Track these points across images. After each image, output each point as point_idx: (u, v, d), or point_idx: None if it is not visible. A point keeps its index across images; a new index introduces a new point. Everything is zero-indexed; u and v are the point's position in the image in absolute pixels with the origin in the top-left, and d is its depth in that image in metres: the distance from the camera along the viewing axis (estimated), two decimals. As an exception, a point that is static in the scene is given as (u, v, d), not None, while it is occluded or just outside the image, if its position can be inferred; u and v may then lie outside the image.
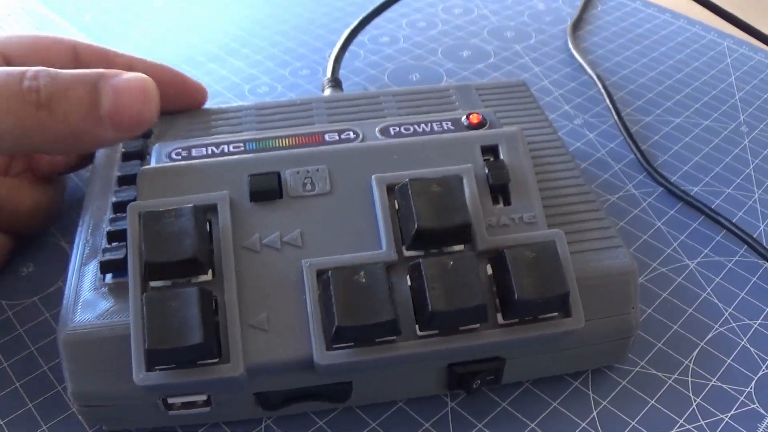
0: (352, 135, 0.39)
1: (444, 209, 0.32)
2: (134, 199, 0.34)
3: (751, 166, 0.50)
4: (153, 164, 0.36)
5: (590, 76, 0.58)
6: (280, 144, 0.38)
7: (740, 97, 0.58)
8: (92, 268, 0.34)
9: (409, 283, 0.31)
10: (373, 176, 0.34)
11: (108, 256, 0.33)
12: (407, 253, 0.32)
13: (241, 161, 0.35)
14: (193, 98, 0.43)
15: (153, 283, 0.31)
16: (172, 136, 0.40)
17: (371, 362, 0.30)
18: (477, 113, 0.39)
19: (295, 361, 0.30)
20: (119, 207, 0.35)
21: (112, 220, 0.35)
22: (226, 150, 0.38)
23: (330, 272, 0.30)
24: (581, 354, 0.35)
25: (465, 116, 0.39)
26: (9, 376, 0.36)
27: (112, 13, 0.68)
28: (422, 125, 0.39)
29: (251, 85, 0.58)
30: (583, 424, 0.35)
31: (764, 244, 0.44)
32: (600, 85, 0.56)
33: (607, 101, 0.55)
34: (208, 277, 0.31)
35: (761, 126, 0.54)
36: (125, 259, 0.32)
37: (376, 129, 0.39)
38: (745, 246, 0.44)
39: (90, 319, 0.31)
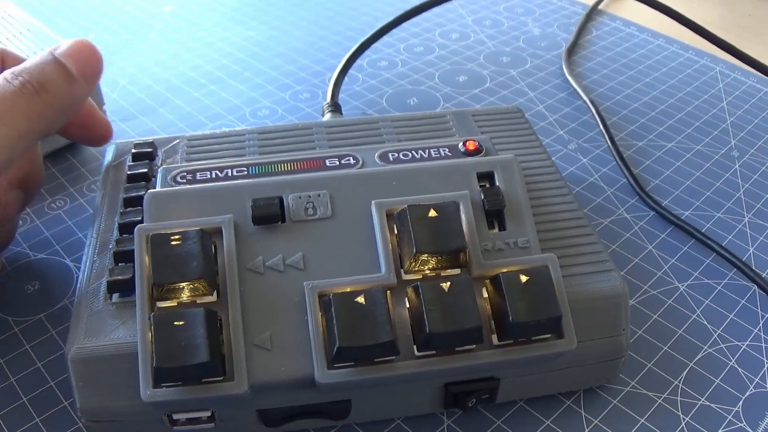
0: (352, 160, 0.39)
1: (441, 234, 0.33)
2: (140, 221, 0.35)
3: (741, 191, 0.51)
4: (158, 187, 0.37)
5: (584, 102, 0.59)
6: (283, 169, 0.39)
7: (731, 122, 0.59)
8: (99, 288, 0.35)
9: (407, 305, 0.32)
10: (373, 202, 0.35)
11: (115, 277, 0.34)
12: (405, 277, 0.33)
13: (244, 186, 0.36)
14: (98, 134, 0.46)
15: (160, 303, 0.32)
16: (176, 159, 0.41)
17: (371, 381, 0.31)
18: (473, 140, 0.40)
19: (296, 379, 0.31)
20: (125, 228, 0.36)
21: (119, 242, 0.36)
22: (229, 174, 0.38)
23: (331, 295, 0.31)
24: (573, 374, 0.36)
25: (462, 143, 0.40)
26: (16, 391, 0.37)
27: (114, 33, 0.70)
28: (420, 151, 0.40)
29: (252, 108, 0.59)
30: (576, 442, 0.36)
31: (753, 268, 0.45)
32: (594, 111, 0.57)
33: (601, 126, 0.56)
34: (213, 297, 0.32)
35: (752, 150, 0.55)
36: (132, 279, 0.33)
37: (376, 155, 0.40)
38: (735, 269, 0.45)
39: (97, 337, 0.32)
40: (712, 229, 0.48)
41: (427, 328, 0.30)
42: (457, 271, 0.33)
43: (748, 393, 0.38)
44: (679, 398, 0.37)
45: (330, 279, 0.33)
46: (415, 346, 0.32)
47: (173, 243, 0.32)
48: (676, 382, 0.38)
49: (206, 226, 0.33)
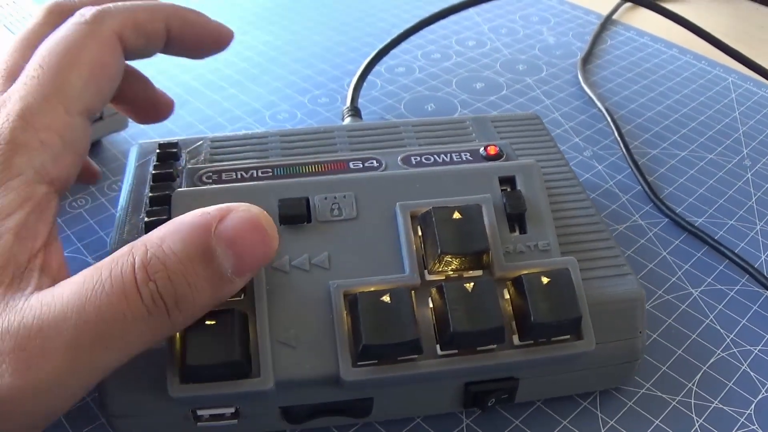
0: (375, 163, 0.40)
1: (465, 236, 0.33)
2: (166, 219, 0.35)
3: (753, 199, 0.52)
4: (184, 187, 0.38)
5: (599, 110, 0.60)
6: (307, 170, 0.39)
7: (744, 131, 0.59)
8: None
9: (430, 305, 0.33)
10: (397, 204, 0.35)
11: None
12: (429, 278, 0.34)
13: (271, 186, 0.36)
14: (216, 40, 0.42)
15: None
16: (199, 160, 0.42)
17: (394, 379, 0.32)
18: (494, 145, 0.41)
19: (321, 377, 0.32)
20: (151, 227, 0.35)
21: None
22: (255, 175, 0.39)
23: (358, 294, 0.32)
24: (591, 375, 0.36)
25: (483, 148, 0.41)
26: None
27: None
28: (442, 155, 0.41)
29: (272, 111, 0.59)
30: (592, 442, 0.36)
31: (765, 274, 0.45)
32: (609, 119, 0.58)
33: (616, 134, 0.56)
34: (240, 297, 0.32)
35: (764, 160, 0.56)
36: None
37: (398, 158, 0.40)
38: (747, 275, 0.45)
39: None
40: (724, 237, 0.49)
41: (451, 328, 0.31)
42: (479, 272, 0.34)
43: (760, 396, 0.38)
44: (692, 401, 0.38)
45: (355, 278, 0.33)
46: (438, 346, 0.32)
47: None
48: (689, 385, 0.39)
49: None
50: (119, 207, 0.39)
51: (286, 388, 0.32)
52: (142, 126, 0.56)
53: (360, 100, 0.56)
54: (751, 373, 0.40)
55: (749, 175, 0.54)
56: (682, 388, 0.39)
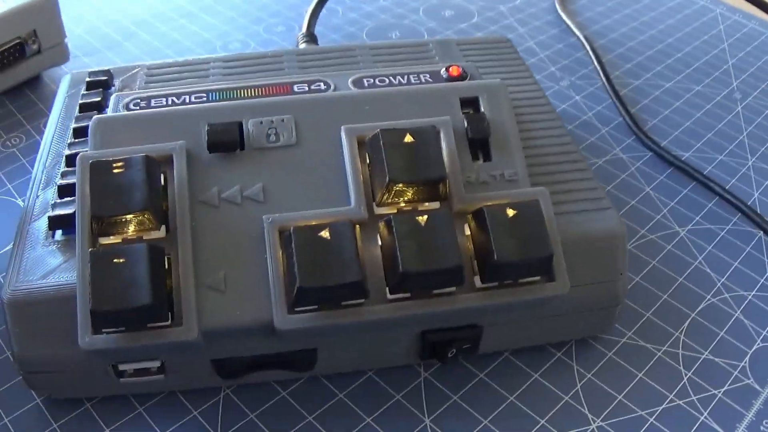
0: (322, 86, 0.37)
1: (418, 162, 0.30)
2: (86, 150, 0.32)
3: (745, 133, 0.49)
4: (109, 114, 0.35)
5: (578, 38, 0.56)
6: (245, 95, 0.36)
7: (733, 64, 0.56)
8: (41, 225, 0.32)
9: (379, 242, 0.30)
10: (342, 127, 0.32)
11: (57, 211, 0.31)
12: (378, 211, 0.30)
13: (199, 110, 0.33)
14: None
15: (102, 240, 0.29)
16: (133, 88, 0.38)
17: (336, 327, 0.29)
18: (457, 66, 0.38)
19: (254, 326, 0.29)
20: (72, 160, 0.34)
21: (64, 174, 0.33)
22: (187, 101, 0.36)
23: (292, 229, 0.29)
24: (565, 323, 0.34)
25: (444, 69, 0.38)
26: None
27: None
28: (398, 77, 0.37)
29: (223, 42, 0.56)
30: (566, 398, 0.33)
31: (759, 212, 0.42)
32: (588, 47, 0.54)
33: (595, 63, 0.53)
34: (161, 233, 0.29)
35: (755, 93, 0.53)
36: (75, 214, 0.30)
37: (349, 80, 0.37)
38: (739, 214, 0.43)
39: (35, 278, 0.30)
40: (714, 172, 0.46)
41: (401, 267, 0.28)
42: (436, 204, 0.31)
43: (755, 347, 0.36)
44: (680, 351, 0.35)
45: (292, 212, 0.30)
46: (387, 289, 0.29)
47: (115, 171, 0.29)
48: (676, 334, 0.36)
49: (155, 153, 0.31)
50: (44, 137, 0.37)
51: (215, 338, 0.29)
52: (84, 59, 0.53)
53: (319, 28, 0.52)
54: (745, 321, 0.37)
55: (740, 108, 0.51)
56: (669, 337, 0.36)
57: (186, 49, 0.55)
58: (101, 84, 0.38)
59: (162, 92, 0.36)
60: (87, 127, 0.34)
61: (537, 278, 0.30)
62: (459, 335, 0.32)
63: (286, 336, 0.29)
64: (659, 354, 0.35)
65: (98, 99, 0.37)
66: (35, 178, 0.34)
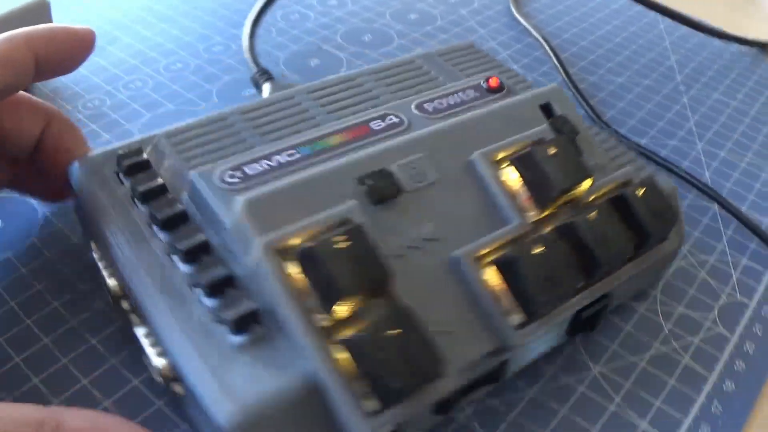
0: (395, 119, 0.36)
1: (568, 168, 0.32)
2: (206, 241, 0.30)
3: (692, 122, 0.53)
4: (206, 193, 0.31)
5: (535, 38, 0.60)
6: (333, 142, 0.34)
7: (676, 60, 0.60)
8: (212, 330, 0.28)
9: (559, 245, 0.31)
10: (475, 153, 0.33)
11: (240, 311, 0.28)
12: (535, 219, 0.32)
13: (343, 166, 0.32)
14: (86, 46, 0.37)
15: (321, 318, 0.27)
16: (163, 160, 0.34)
17: (557, 322, 0.31)
18: (495, 77, 0.39)
19: (488, 351, 0.29)
20: (193, 253, 0.30)
21: (201, 270, 0.29)
22: (282, 161, 0.33)
23: (510, 255, 0.30)
24: (647, 276, 0.38)
25: (484, 80, 0.39)
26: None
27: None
28: (451, 96, 0.38)
29: (205, 44, 0.57)
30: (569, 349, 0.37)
31: (711, 187, 0.47)
32: (546, 46, 0.58)
33: (554, 60, 0.57)
34: (377, 298, 0.28)
35: (697, 86, 0.57)
36: (257, 308, 0.28)
37: (412, 107, 0.37)
38: (695, 190, 0.47)
39: (246, 395, 0.26)
40: (669, 156, 0.50)
41: (600, 258, 0.31)
42: (575, 201, 0.34)
43: (721, 302, 0.40)
44: (659, 307, 0.39)
45: (472, 243, 0.31)
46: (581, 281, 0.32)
47: (336, 248, 0.27)
48: (654, 293, 0.40)
49: (334, 219, 0.29)
50: (115, 250, 0.31)
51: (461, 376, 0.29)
52: (61, 78, 0.52)
53: (293, 32, 0.55)
54: (710, 281, 0.41)
55: (685, 99, 0.56)
56: (648, 295, 0.40)
57: (169, 51, 0.56)
58: (143, 165, 0.33)
59: (247, 159, 0.32)
60: (178, 214, 0.31)
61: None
62: (600, 305, 0.34)
63: (520, 349, 0.30)
64: (642, 311, 0.39)
65: (159, 182, 0.32)
66: (145, 287, 0.29)
